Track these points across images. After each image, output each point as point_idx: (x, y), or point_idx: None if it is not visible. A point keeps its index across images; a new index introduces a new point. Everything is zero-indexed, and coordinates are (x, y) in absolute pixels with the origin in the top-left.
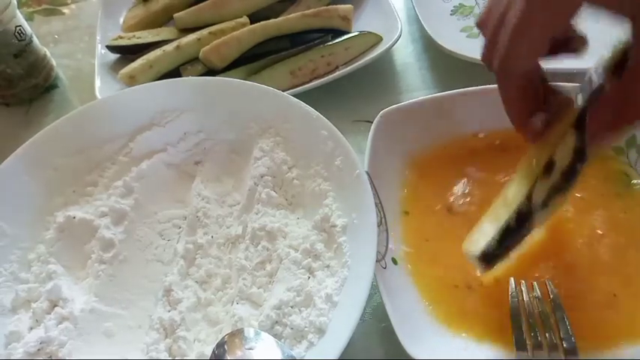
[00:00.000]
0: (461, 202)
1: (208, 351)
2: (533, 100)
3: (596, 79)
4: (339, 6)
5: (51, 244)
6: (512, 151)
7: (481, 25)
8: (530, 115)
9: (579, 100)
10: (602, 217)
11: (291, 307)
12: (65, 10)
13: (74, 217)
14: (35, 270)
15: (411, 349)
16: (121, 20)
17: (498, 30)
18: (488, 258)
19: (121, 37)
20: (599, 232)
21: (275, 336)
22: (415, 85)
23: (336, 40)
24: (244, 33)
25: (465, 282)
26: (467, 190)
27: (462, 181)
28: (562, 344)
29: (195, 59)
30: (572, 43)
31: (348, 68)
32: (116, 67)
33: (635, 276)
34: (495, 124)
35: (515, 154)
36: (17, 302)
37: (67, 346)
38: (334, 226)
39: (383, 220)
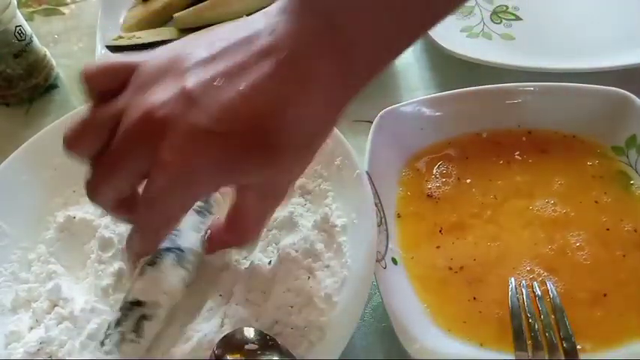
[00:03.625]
0: (439, 186)
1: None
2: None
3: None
4: None
5: (51, 244)
6: (511, 151)
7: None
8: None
9: None
10: (600, 217)
11: (291, 307)
12: (65, 10)
13: (74, 217)
14: (35, 270)
15: (411, 349)
16: (121, 20)
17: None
18: None
19: (121, 37)
20: (597, 232)
21: (275, 336)
22: (415, 85)
23: None
24: None
25: (465, 282)
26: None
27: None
28: (562, 344)
29: None
30: None
31: None
32: None
33: (628, 277)
34: (496, 124)
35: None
36: (17, 302)
37: (67, 346)
38: (334, 226)
39: (383, 220)
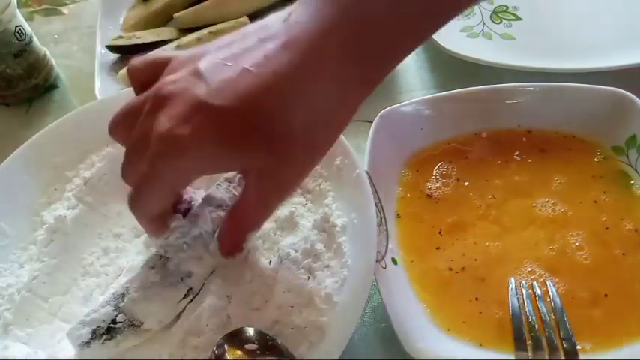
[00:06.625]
0: (439, 187)
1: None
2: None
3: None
4: None
5: (45, 244)
6: (510, 151)
7: (116, 132)
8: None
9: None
10: (600, 216)
11: (291, 307)
12: (65, 10)
13: (65, 217)
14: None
15: (411, 349)
16: (121, 20)
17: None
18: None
19: (121, 37)
20: (596, 232)
21: (275, 336)
22: (415, 85)
23: None
24: None
25: (466, 282)
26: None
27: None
28: (562, 344)
29: None
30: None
31: None
32: (116, 67)
33: (628, 277)
34: (495, 124)
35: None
36: None
37: None
38: (334, 226)
39: (383, 220)
